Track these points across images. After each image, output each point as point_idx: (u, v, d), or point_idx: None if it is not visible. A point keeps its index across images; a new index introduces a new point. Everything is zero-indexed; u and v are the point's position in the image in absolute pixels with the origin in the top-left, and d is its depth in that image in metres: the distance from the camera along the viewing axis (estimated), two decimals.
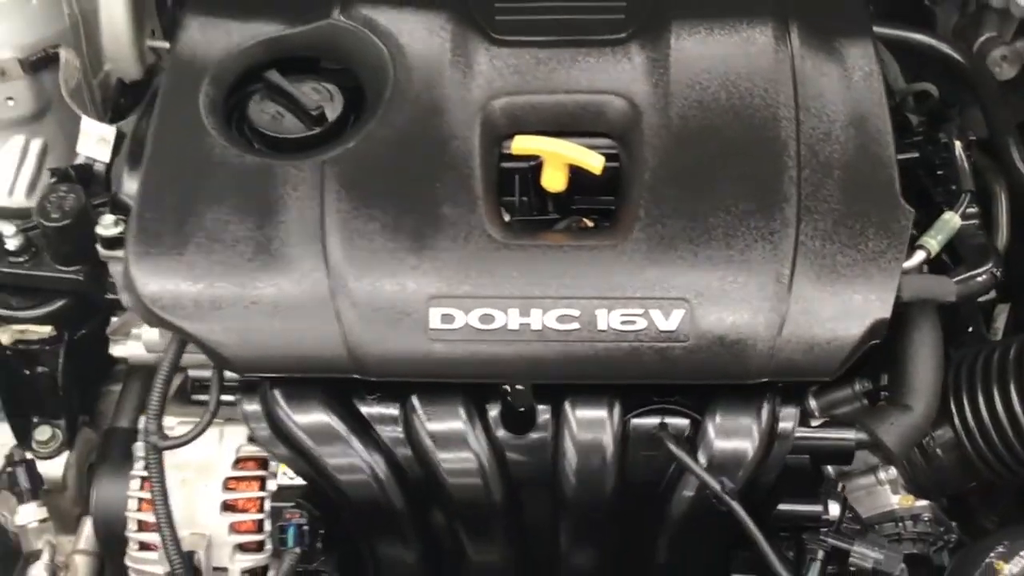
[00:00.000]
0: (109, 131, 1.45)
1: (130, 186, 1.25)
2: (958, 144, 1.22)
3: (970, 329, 1.25)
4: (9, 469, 1.33)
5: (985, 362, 1.14)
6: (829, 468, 1.18)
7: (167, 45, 1.65)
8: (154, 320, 1.10)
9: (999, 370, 1.12)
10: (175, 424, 1.22)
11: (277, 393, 1.10)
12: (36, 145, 1.57)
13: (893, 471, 1.17)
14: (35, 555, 1.29)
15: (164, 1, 1.68)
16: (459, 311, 1.06)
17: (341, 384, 1.10)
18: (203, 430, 1.13)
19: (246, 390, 1.13)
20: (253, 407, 1.12)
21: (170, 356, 1.13)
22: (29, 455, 1.37)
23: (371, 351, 1.06)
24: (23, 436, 1.42)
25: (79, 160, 1.53)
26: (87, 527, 1.37)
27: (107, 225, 1.21)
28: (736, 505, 1.04)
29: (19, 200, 1.55)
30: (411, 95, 1.18)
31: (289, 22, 1.26)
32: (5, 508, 1.38)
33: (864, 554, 1.07)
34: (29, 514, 1.29)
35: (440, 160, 1.14)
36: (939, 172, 1.23)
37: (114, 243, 1.21)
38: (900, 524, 1.17)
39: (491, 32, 1.23)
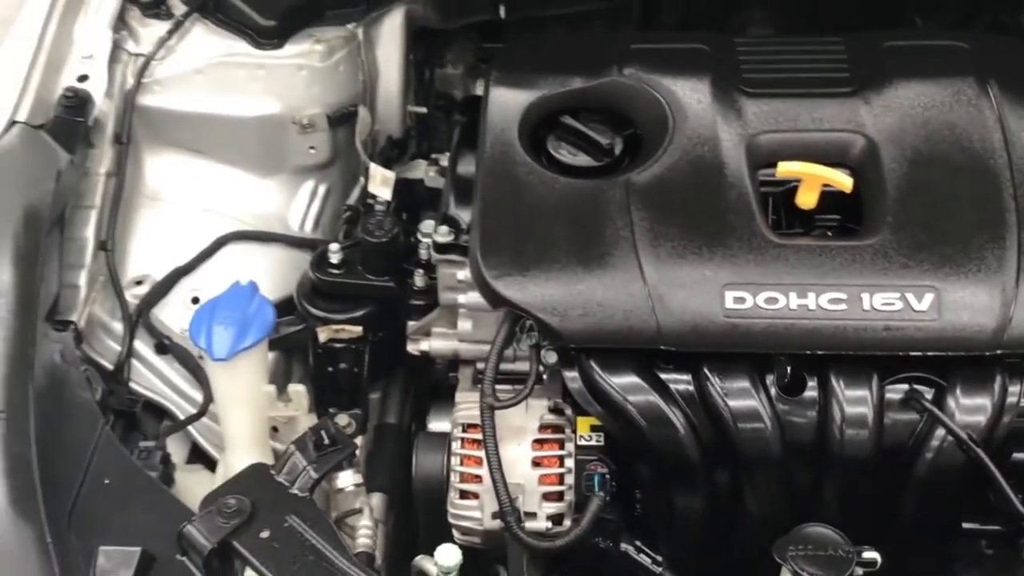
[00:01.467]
0: (391, 175, 1.77)
1: (456, 207, 1.55)
2: None
3: None
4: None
5: None
6: None
7: (424, 110, 2.00)
8: (499, 302, 1.38)
9: None
10: None
11: (593, 362, 1.37)
12: (323, 188, 1.91)
13: None
14: (354, 512, 1.53)
15: (421, 75, 2.02)
16: (749, 294, 1.33)
17: (641, 355, 1.37)
18: (527, 395, 1.39)
19: (565, 361, 1.39)
20: (572, 374, 1.38)
21: (503, 333, 1.40)
22: None
23: (678, 326, 1.33)
24: None
25: (351, 200, 1.87)
26: (376, 500, 1.63)
27: (443, 234, 1.51)
28: (980, 451, 1.28)
29: (307, 231, 1.88)
30: (689, 132, 1.48)
31: (578, 79, 1.58)
32: None
33: None
34: (348, 479, 1.54)
35: (719, 181, 1.43)
36: None
37: (447, 248, 1.50)
38: None
39: (743, 87, 1.54)
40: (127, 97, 1.73)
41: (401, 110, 1.93)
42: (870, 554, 1.23)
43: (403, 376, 1.81)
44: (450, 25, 1.94)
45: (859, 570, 1.22)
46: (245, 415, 1.46)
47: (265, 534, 1.23)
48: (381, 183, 1.78)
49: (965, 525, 1.39)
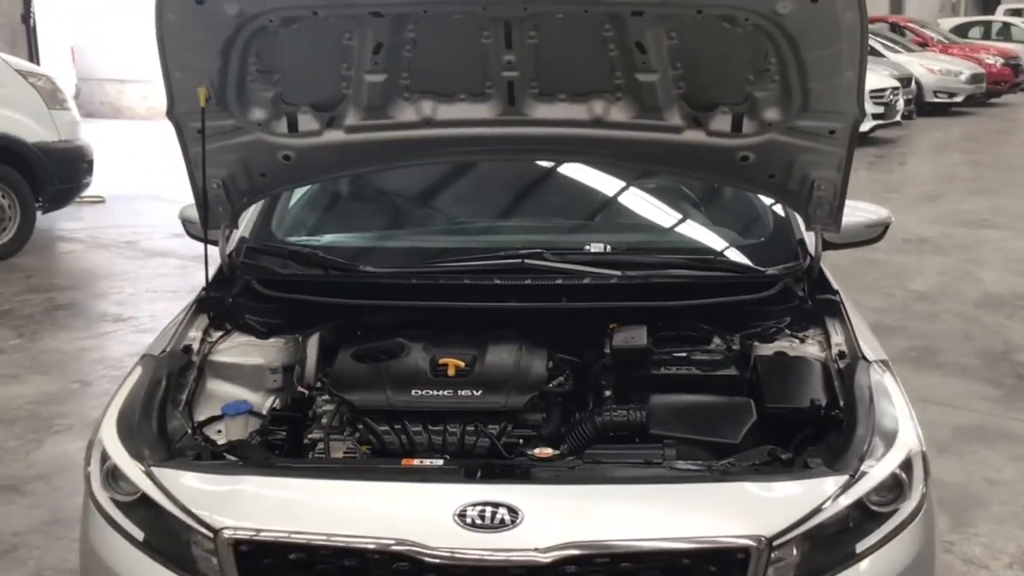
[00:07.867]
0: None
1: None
2: None
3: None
4: None
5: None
6: None
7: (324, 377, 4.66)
8: (336, 397, 3.94)
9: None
10: None
11: (367, 418, 3.89)
12: (278, 403, 4.48)
13: None
14: None
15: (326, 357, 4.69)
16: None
17: (384, 413, 3.90)
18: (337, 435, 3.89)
19: (354, 423, 3.91)
20: (360, 427, 3.90)
21: (335, 406, 3.93)
22: None
23: (394, 399, 3.88)
24: None
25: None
26: None
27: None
28: None
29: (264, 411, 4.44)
30: (408, 355, 4.15)
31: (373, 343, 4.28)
32: None
33: None
34: None
35: (416, 361, 4.09)
36: None
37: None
38: None
39: (429, 347, 4.25)
40: (204, 354, 4.39)
41: (312, 375, 4.54)
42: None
43: None
44: (338, 344, 4.60)
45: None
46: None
47: None
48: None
49: None
